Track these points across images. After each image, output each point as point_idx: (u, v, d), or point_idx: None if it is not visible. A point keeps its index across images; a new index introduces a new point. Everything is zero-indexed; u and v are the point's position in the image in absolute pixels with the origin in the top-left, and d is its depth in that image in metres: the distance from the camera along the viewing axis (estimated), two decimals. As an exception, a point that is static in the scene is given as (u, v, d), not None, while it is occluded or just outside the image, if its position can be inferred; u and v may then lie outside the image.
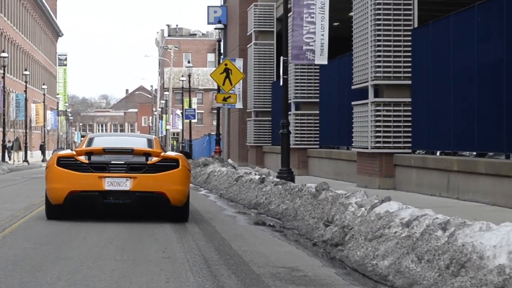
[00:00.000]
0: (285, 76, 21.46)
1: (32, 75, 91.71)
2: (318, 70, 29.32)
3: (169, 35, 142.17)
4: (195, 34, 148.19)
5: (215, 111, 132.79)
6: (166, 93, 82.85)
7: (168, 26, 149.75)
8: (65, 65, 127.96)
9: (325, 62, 21.81)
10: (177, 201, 13.07)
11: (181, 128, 78.73)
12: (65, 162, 12.99)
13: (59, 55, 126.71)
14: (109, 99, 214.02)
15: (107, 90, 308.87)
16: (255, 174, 21.14)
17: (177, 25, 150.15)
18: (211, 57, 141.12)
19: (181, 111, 79.56)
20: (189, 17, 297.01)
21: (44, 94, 72.22)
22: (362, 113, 21.03)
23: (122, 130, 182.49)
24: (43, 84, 74.07)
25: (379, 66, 19.92)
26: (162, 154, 13.23)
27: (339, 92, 26.09)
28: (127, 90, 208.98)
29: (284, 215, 14.27)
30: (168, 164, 13.05)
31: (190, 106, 53.10)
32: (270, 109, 38.91)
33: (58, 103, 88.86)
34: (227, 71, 30.25)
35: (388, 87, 20.13)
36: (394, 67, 19.92)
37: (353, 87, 21.91)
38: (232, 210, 16.70)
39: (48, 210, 13.41)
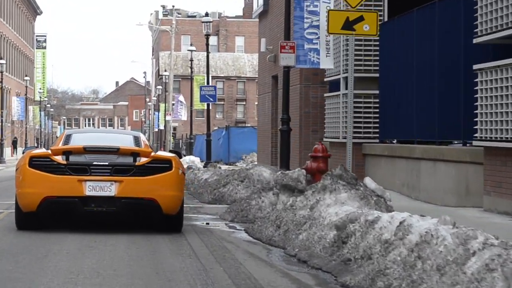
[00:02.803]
0: None
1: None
2: None
3: (164, 16, 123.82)
4: (194, 16, 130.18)
5: (221, 103, 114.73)
6: (165, 73, 64.22)
7: (163, 7, 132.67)
8: (44, 47, 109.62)
9: None
10: (170, 208, 11.64)
11: (186, 118, 60.63)
12: (38, 163, 11.58)
13: (37, 35, 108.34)
14: (99, 94, 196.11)
15: (95, 82, 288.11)
16: None
17: (173, 6, 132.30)
18: (213, 40, 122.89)
19: (184, 97, 61.41)
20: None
21: (1, 72, 53.37)
22: None
23: (111, 125, 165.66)
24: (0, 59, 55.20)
25: None
26: (153, 154, 11.87)
27: None
28: (117, 83, 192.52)
29: None
30: (160, 166, 11.66)
31: (208, 82, 34.82)
32: (376, 75, 20.68)
33: (26, 87, 69.98)
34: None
35: None
36: None
37: None
38: None
39: (19, 218, 11.91)
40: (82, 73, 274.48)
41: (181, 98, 58.94)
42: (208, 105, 34.75)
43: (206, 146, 34.27)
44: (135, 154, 11.62)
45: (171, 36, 53.65)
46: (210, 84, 38.16)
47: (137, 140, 12.74)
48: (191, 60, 45.32)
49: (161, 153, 12.79)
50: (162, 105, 73.17)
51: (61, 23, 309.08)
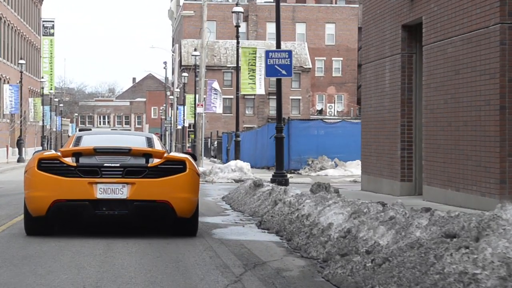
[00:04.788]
0: None
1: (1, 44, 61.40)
2: None
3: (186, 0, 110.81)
4: (220, 1, 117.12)
5: (251, 97, 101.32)
6: (195, 52, 51.15)
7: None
8: (52, 34, 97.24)
9: None
10: (184, 211, 11.11)
11: (221, 111, 47.72)
12: (48, 166, 11.00)
13: (44, 21, 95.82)
14: (115, 92, 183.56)
15: (110, 76, 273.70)
16: None
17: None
18: (242, 27, 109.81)
19: (217, 83, 48.51)
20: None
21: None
22: None
23: (127, 123, 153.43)
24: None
25: None
26: (166, 155, 11.29)
27: None
28: (134, 79, 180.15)
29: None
30: (173, 167, 11.08)
31: (279, 46, 21.86)
32: None
33: (21, 72, 57.01)
34: None
35: None
36: None
37: None
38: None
39: (28, 223, 11.33)
40: (96, 67, 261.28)
41: (215, 85, 45.90)
42: (278, 81, 21.76)
43: (276, 146, 21.31)
44: (147, 155, 11.12)
45: (204, 4, 40.90)
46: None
47: (149, 141, 12.34)
48: (237, 26, 32.37)
49: (175, 154, 11.86)
50: (188, 97, 60.23)
51: (70, 8, 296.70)
